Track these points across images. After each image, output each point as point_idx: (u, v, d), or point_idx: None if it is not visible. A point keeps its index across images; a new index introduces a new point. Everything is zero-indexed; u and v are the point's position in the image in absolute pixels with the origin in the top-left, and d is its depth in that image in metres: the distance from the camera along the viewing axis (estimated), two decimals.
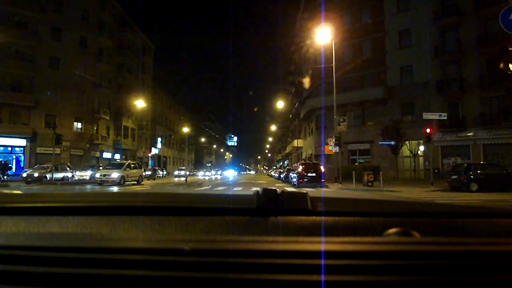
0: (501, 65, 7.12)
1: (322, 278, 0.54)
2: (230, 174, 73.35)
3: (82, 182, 23.99)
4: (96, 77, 38.34)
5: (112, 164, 24.58)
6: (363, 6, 32.36)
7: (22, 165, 32.01)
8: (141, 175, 24.08)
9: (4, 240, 0.72)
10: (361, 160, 30.77)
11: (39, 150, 32.68)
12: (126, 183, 21.47)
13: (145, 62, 54.27)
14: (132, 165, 23.33)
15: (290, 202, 0.91)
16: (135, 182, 22.89)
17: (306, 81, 39.06)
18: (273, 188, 0.93)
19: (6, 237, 0.77)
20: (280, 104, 50.07)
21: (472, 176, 15.52)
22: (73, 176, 25.13)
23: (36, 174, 22.51)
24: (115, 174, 20.89)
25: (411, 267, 0.56)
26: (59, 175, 23.77)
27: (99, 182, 21.00)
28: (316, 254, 0.58)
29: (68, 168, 25.51)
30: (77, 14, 36.87)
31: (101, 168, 24.94)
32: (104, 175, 21.00)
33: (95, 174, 23.17)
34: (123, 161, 25.59)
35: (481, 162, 19.79)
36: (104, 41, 40.07)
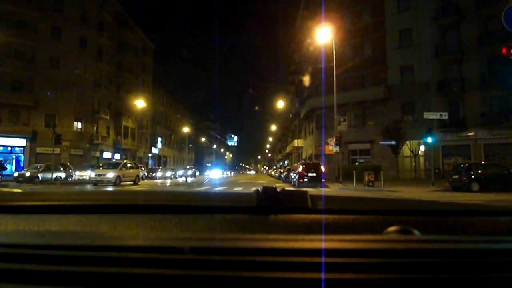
0: (504, 51, 7.16)
1: (323, 276, 0.54)
2: (216, 175, 52.45)
3: (79, 182, 23.72)
4: (96, 77, 38.33)
5: (108, 164, 24.27)
6: (363, 6, 32.34)
7: (22, 165, 32.00)
8: (137, 175, 23.51)
9: (4, 238, 0.72)
10: (361, 160, 30.75)
11: (39, 150, 32.66)
12: (122, 183, 21.01)
13: (145, 62, 54.27)
14: (128, 165, 22.88)
15: (290, 200, 0.91)
16: (132, 182, 22.40)
17: (307, 81, 39.07)
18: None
19: (6, 236, 0.77)
20: (280, 104, 50.09)
21: (473, 176, 15.49)
22: (71, 175, 24.94)
23: (27, 174, 22.25)
24: (110, 174, 20.48)
25: (411, 265, 0.56)
26: (51, 175, 23.29)
27: (94, 182, 20.66)
28: (316, 252, 0.58)
29: (62, 168, 25.22)
30: (77, 14, 36.82)
31: (100, 167, 24.89)
32: (99, 175, 20.62)
33: None
34: (119, 161, 25.19)
35: (482, 162, 19.78)
36: (104, 40, 40.05)
